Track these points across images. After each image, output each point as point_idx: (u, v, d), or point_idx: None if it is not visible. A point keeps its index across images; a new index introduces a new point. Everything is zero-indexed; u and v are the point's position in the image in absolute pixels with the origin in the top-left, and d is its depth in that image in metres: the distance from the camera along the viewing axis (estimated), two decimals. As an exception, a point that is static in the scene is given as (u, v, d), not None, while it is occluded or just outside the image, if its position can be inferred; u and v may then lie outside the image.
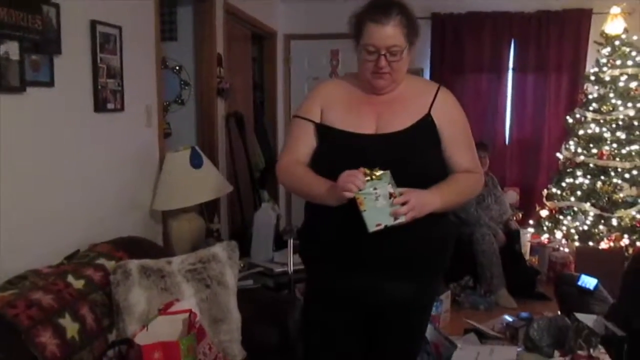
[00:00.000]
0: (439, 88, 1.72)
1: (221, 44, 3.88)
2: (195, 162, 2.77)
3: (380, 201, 1.47)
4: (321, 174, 1.60)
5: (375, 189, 1.46)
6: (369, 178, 1.47)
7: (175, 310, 1.85)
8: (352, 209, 1.48)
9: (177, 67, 3.87)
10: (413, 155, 1.62)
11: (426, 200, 1.52)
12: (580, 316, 2.02)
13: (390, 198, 1.47)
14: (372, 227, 1.48)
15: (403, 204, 1.47)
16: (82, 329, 1.73)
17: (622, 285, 2.19)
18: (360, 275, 1.63)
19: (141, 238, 2.51)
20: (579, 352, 1.81)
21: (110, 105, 2.47)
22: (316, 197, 1.62)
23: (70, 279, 1.85)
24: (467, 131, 1.76)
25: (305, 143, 1.69)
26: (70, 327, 1.68)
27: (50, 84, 2.02)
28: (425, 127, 1.65)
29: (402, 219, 1.48)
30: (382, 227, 1.48)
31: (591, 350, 1.79)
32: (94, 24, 2.31)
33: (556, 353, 1.88)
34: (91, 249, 2.17)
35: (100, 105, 2.37)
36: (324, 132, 1.68)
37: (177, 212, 2.88)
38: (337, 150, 1.64)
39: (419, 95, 1.70)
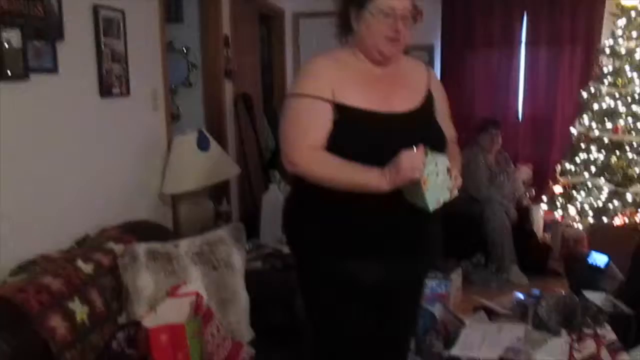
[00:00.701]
0: (425, 64, 1.79)
1: (227, 24, 3.85)
2: (203, 145, 2.78)
3: (440, 177, 1.44)
4: (346, 158, 1.51)
5: (436, 164, 1.43)
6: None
7: (182, 293, 1.87)
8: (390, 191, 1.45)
9: (184, 49, 3.85)
10: (436, 131, 1.66)
11: (458, 173, 1.54)
12: (588, 294, 2.00)
13: (447, 172, 1.45)
14: (433, 206, 1.44)
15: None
16: (92, 312, 1.76)
17: (632, 264, 2.17)
18: (392, 259, 1.60)
19: (150, 222, 2.53)
20: (585, 330, 1.80)
21: (115, 90, 2.47)
22: (359, 185, 1.49)
23: (79, 263, 1.88)
24: (447, 102, 1.84)
25: (322, 126, 1.54)
26: (80, 310, 1.71)
27: (53, 70, 2.03)
28: (431, 103, 1.70)
29: (456, 192, 1.49)
30: (441, 203, 1.46)
31: (597, 329, 1.77)
32: (96, 8, 2.30)
33: (563, 331, 1.87)
34: (100, 234, 2.20)
35: (105, 91, 2.38)
36: (345, 112, 1.55)
37: (186, 195, 2.90)
38: (366, 132, 1.54)
39: (414, 71, 1.73)
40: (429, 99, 1.69)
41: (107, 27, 2.38)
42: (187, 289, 1.90)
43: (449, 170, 1.45)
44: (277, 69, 5.43)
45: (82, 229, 2.20)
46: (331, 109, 1.55)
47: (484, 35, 5.30)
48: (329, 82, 1.56)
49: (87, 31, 2.26)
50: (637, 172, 4.17)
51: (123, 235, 2.22)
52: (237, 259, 2.14)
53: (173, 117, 3.76)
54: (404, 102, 1.62)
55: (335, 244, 1.60)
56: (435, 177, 1.42)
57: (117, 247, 2.05)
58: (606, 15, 4.86)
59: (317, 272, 1.68)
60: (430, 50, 5.55)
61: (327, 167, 1.52)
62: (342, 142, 1.53)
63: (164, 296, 1.88)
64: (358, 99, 1.56)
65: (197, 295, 1.83)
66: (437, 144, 1.54)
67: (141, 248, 1.97)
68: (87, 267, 1.89)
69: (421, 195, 1.43)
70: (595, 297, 2.02)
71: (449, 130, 1.74)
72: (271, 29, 5.33)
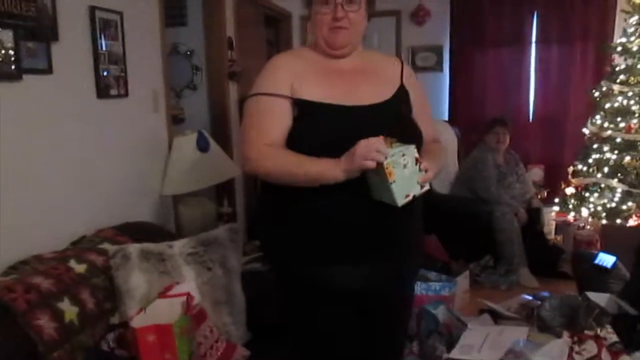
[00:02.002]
0: (400, 60, 1.72)
1: (232, 26, 3.85)
2: (202, 146, 2.77)
3: (408, 169, 1.35)
4: (309, 154, 1.44)
5: (403, 155, 1.34)
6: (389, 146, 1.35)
7: (174, 294, 1.85)
8: (358, 186, 1.39)
9: (189, 52, 3.86)
10: (407, 126, 1.58)
11: (432, 166, 1.45)
12: (592, 295, 1.94)
13: (416, 164, 1.37)
14: (401, 200, 1.34)
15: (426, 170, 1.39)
16: (82, 312, 1.74)
17: (636, 261, 2.09)
18: (369, 261, 1.52)
19: (149, 223, 2.53)
20: (587, 331, 1.75)
21: (113, 91, 2.47)
22: (314, 176, 1.42)
23: (72, 263, 1.88)
24: (428, 102, 1.78)
25: (280, 123, 1.50)
26: (69, 310, 1.69)
27: (47, 71, 2.03)
28: (404, 97, 1.62)
29: (427, 186, 1.39)
30: (410, 198, 1.36)
31: (599, 330, 1.72)
32: (92, 9, 2.30)
33: (565, 333, 1.81)
34: (96, 234, 2.20)
35: (102, 92, 2.38)
36: (305, 108, 1.50)
37: (187, 196, 2.89)
38: (327, 126, 1.48)
39: (386, 66, 1.66)
40: (400, 93, 1.62)
41: (104, 28, 2.38)
42: (179, 290, 1.88)
43: (418, 162, 1.37)
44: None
45: (79, 230, 2.20)
46: (289, 106, 1.51)
47: (493, 34, 5.25)
48: (287, 78, 1.52)
49: (83, 32, 2.27)
50: (651, 171, 4.08)
51: (119, 236, 2.22)
52: (233, 260, 2.12)
53: (178, 120, 3.78)
54: (371, 95, 1.55)
55: (306, 249, 1.52)
56: (402, 169, 1.34)
57: (112, 248, 2.04)
58: (618, 12, 4.77)
59: (293, 280, 1.58)
60: (439, 51, 5.52)
61: (279, 161, 1.46)
62: (303, 137, 1.48)
63: (156, 297, 1.86)
64: (318, 93, 1.51)
65: (188, 295, 1.81)
66: (408, 138, 1.44)
67: (133, 248, 1.96)
68: (79, 267, 1.88)
69: (387, 188, 1.34)
70: (600, 298, 1.95)
71: (427, 129, 1.66)
72: (278, 32, 5.33)
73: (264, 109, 1.52)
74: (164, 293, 1.86)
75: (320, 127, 1.48)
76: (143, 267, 1.93)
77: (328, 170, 1.40)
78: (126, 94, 2.56)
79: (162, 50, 2.93)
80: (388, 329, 1.68)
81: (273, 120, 1.50)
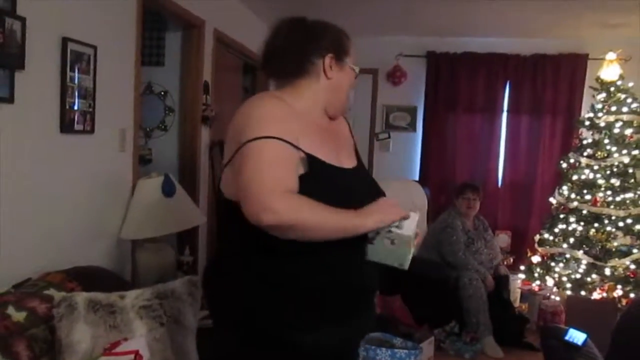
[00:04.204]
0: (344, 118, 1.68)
1: (209, 71, 3.81)
2: (167, 190, 2.64)
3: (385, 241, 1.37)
4: None
5: (389, 231, 1.35)
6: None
7: (121, 351, 1.69)
8: (350, 248, 1.35)
9: (163, 93, 3.78)
10: (377, 188, 1.55)
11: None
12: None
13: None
14: (405, 263, 1.37)
15: None
16: (14, 367, 1.57)
17: (612, 343, 2.04)
18: (350, 322, 1.45)
19: (102, 269, 2.37)
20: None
21: (78, 127, 2.35)
22: (344, 229, 1.31)
23: (10, 310, 1.71)
24: None
25: (295, 175, 1.32)
26: (-1, 365, 1.52)
27: (9, 100, 1.91)
28: (360, 159, 1.63)
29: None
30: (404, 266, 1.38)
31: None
32: (65, 41, 2.21)
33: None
34: (42, 278, 2.02)
35: (66, 126, 2.26)
36: (313, 166, 1.36)
37: (146, 242, 2.73)
38: (333, 186, 1.38)
39: (342, 126, 1.63)
40: (358, 155, 1.62)
41: (76, 61, 2.29)
42: (128, 347, 1.72)
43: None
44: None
45: (24, 272, 2.03)
46: (301, 159, 1.35)
47: (467, 100, 5.36)
48: (293, 130, 1.36)
49: (52, 63, 2.17)
50: (616, 245, 4.11)
51: (68, 281, 2.05)
52: (189, 316, 1.97)
53: (146, 160, 3.65)
54: (348, 159, 1.53)
55: (297, 313, 1.39)
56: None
57: (58, 295, 1.87)
58: (587, 88, 4.94)
59: (268, 342, 1.40)
60: (413, 111, 5.59)
61: (316, 211, 1.28)
62: (314, 196, 1.31)
63: (100, 353, 1.69)
64: (318, 150, 1.39)
65: (137, 354, 1.65)
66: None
67: (81, 297, 1.79)
68: (18, 315, 1.71)
69: (404, 251, 1.35)
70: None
71: None
72: (255, 79, 5.32)
73: (281, 156, 1.31)
74: (109, 349, 1.70)
75: (327, 188, 1.37)
76: (90, 319, 1.77)
77: (361, 222, 1.33)
78: (92, 130, 2.45)
79: (135, 88, 2.84)
80: None
81: (290, 171, 1.32)
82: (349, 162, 1.51)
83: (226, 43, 4.10)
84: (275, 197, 1.24)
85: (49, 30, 2.14)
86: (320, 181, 1.36)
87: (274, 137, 1.30)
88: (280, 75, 1.51)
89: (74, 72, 2.28)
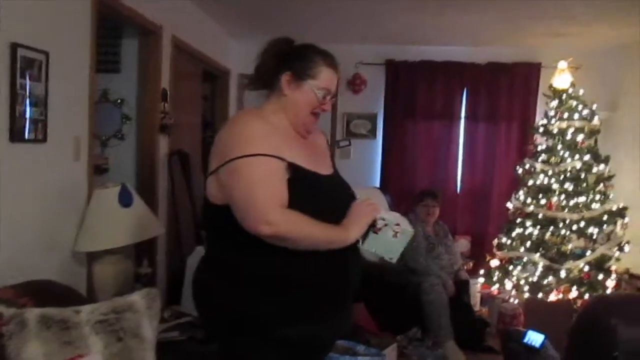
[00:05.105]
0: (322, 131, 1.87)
1: (167, 78, 3.74)
2: (124, 201, 2.57)
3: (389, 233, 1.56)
4: None
5: (397, 224, 1.56)
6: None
7: (76, 368, 1.62)
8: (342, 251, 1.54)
9: (119, 100, 3.69)
10: (351, 192, 1.71)
11: None
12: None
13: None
14: (396, 256, 1.59)
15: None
16: (-41, 390, 1.48)
17: (568, 344, 2.09)
18: (339, 315, 1.64)
19: (55, 282, 2.26)
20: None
21: (30, 136, 2.26)
22: (331, 241, 1.53)
23: (-45, 329, 1.61)
24: None
25: (285, 186, 1.49)
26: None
27: (-48, 108, 1.82)
28: (335, 168, 1.77)
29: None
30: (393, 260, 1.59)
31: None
32: (14, 46, 2.12)
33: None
34: (-9, 295, 1.92)
35: (16, 135, 2.16)
36: (296, 173, 1.53)
37: (102, 254, 2.64)
38: (316, 192, 1.56)
39: (319, 137, 1.79)
40: (334, 164, 1.77)
41: (26, 68, 2.20)
42: (83, 364, 1.65)
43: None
44: (219, 127, 5.31)
45: (-28, 288, 1.92)
46: (285, 169, 1.52)
47: (425, 107, 5.43)
48: (276, 144, 1.52)
49: (0, 70, 2.07)
50: (571, 248, 4.23)
51: (19, 297, 1.95)
52: (148, 330, 1.91)
53: (102, 170, 3.55)
54: (325, 166, 1.68)
55: (298, 308, 1.54)
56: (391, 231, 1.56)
57: (7, 312, 1.78)
58: (540, 95, 5.09)
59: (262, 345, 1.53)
60: (373, 119, 5.63)
61: (306, 225, 1.48)
62: (297, 203, 1.49)
63: (54, 371, 1.62)
64: (300, 158, 1.56)
65: (93, 371, 1.58)
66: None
67: (32, 313, 1.71)
68: (-36, 335, 1.61)
69: (401, 246, 1.55)
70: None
71: None
72: (215, 87, 5.27)
73: (271, 171, 1.48)
74: (64, 368, 1.63)
75: (311, 194, 1.54)
76: (42, 335, 1.69)
77: (342, 234, 1.54)
78: (44, 139, 2.36)
79: (89, 96, 2.75)
80: None
81: (280, 184, 1.49)
82: (326, 170, 1.67)
83: (185, 49, 4.04)
84: (271, 210, 1.43)
85: (-3, 36, 2.05)
86: (302, 186, 1.52)
87: (260, 154, 1.47)
88: (257, 87, 1.70)
89: (24, 79, 2.19)
